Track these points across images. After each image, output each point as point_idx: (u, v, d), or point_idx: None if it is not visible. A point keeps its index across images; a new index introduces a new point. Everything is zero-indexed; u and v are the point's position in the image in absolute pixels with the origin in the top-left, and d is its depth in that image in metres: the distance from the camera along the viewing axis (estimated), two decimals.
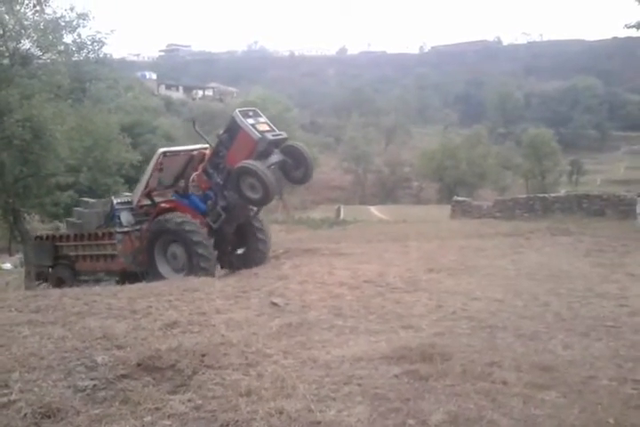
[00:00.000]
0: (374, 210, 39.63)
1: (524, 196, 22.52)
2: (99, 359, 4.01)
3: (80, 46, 17.45)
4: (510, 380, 3.49)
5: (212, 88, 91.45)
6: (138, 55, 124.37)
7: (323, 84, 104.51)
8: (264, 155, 9.37)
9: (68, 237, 11.81)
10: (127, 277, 10.43)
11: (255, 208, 10.54)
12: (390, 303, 5.76)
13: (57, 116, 16.37)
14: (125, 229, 10.60)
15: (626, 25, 18.65)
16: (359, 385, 3.47)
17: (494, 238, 12.17)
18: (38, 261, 12.55)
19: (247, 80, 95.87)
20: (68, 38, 17.22)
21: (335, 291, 6.28)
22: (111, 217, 11.08)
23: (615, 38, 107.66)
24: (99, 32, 17.83)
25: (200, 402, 3.30)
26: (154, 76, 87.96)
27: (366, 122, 70.95)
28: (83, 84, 20.87)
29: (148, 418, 3.09)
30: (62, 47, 17.21)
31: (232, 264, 10.63)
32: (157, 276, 9.70)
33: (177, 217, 9.68)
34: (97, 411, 3.20)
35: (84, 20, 17.10)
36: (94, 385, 3.58)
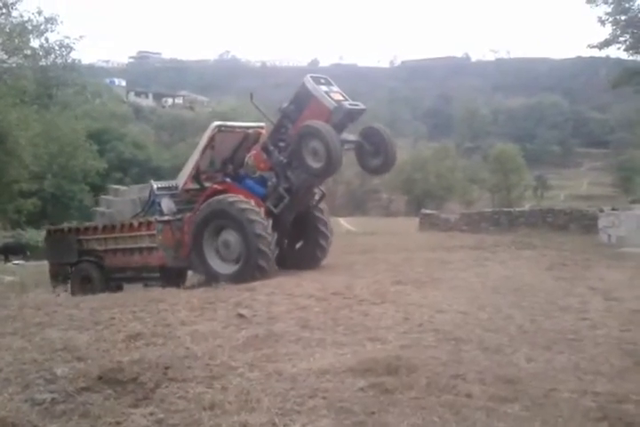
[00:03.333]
0: (343, 222, 39.70)
1: (490, 209, 22.92)
2: (58, 372, 3.91)
3: (47, 51, 17.26)
4: (474, 393, 3.52)
5: (183, 96, 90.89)
6: (107, 61, 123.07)
7: None
8: (338, 128, 8.14)
9: (95, 229, 10.40)
10: (168, 274, 9.36)
11: (317, 196, 9.38)
12: (358, 315, 5.76)
13: (21, 122, 16.10)
14: (167, 218, 9.33)
15: (589, 45, 19.31)
16: (324, 398, 3.45)
17: (460, 251, 12.31)
18: (57, 259, 11.02)
19: (218, 89, 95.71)
20: (35, 42, 16.98)
21: (303, 303, 6.26)
22: (150, 204, 9.81)
23: (579, 57, 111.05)
24: (67, 37, 17.68)
25: (162, 416, 3.24)
26: (123, 83, 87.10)
27: None
28: (49, 90, 20.57)
29: None
30: (29, 51, 16.99)
31: (286, 261, 9.27)
32: (207, 269, 8.69)
33: (231, 197, 8.46)
34: (55, 425, 3.12)
35: (52, 24, 16.94)
36: (53, 398, 3.49)
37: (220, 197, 8.55)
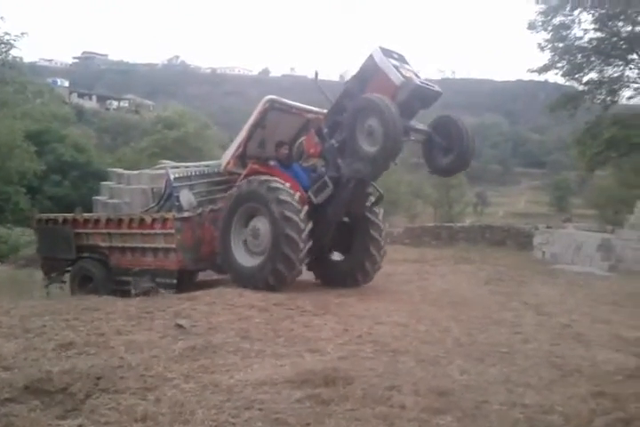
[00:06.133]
0: None
1: (432, 224, 23.48)
2: None
3: None
4: (408, 404, 3.58)
5: (128, 99, 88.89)
6: (50, 61, 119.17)
7: (245, 104, 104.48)
8: (405, 111, 6.73)
9: (97, 221, 8.97)
10: (183, 277, 8.18)
11: (373, 197, 8.09)
12: (298, 326, 5.76)
13: None
14: (187, 215, 8.05)
15: (529, 69, 20.19)
16: (260, 410, 3.42)
17: (403, 264, 12.53)
18: (50, 253, 9.61)
19: (166, 94, 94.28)
20: None
21: (244, 313, 6.20)
22: (167, 197, 8.38)
23: (520, 80, 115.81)
24: (7, 33, 17.05)
25: None
26: (66, 84, 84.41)
27: None
28: None
29: None
30: None
31: (327, 272, 8.21)
32: (231, 264, 7.59)
33: (272, 181, 7.35)
34: None
35: None
36: None
37: (252, 177, 7.51)
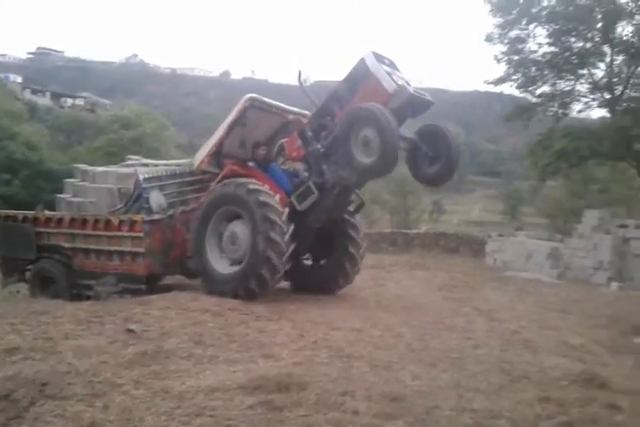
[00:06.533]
0: None
1: (389, 230, 23.73)
2: None
3: None
4: (361, 409, 3.60)
5: (84, 97, 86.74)
6: (3, 55, 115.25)
7: (204, 105, 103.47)
8: (395, 118, 6.54)
9: (60, 220, 8.61)
10: (152, 283, 7.86)
11: (355, 204, 7.94)
12: (253, 332, 5.72)
13: None
14: (156, 217, 7.80)
15: (485, 81, 20.69)
16: (211, 417, 3.38)
17: (360, 270, 12.59)
18: (8, 252, 9.13)
19: (123, 93, 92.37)
20: None
21: (198, 318, 6.11)
22: (135, 198, 8.10)
23: (476, 91, 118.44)
24: None
25: None
26: (19, 79, 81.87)
27: None
28: None
29: None
30: None
31: (302, 278, 8.01)
32: (207, 271, 7.25)
33: (250, 183, 7.10)
34: None
35: None
36: None
37: (230, 180, 7.23)
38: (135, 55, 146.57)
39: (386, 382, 4.27)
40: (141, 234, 7.71)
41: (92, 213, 8.56)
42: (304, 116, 8.15)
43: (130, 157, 10.52)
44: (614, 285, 12.54)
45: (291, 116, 8.20)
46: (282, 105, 8.32)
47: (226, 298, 7.10)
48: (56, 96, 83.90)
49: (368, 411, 3.58)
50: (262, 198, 6.92)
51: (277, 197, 7.16)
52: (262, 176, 7.52)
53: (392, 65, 7.10)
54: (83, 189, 8.96)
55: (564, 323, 7.62)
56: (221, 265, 7.37)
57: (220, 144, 7.78)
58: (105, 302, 7.10)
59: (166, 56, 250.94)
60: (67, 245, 8.57)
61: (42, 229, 8.81)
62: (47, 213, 9.16)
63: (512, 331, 6.74)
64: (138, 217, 7.80)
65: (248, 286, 7.03)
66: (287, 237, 6.97)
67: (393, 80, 6.70)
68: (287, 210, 7.13)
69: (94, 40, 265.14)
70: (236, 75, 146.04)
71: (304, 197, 7.19)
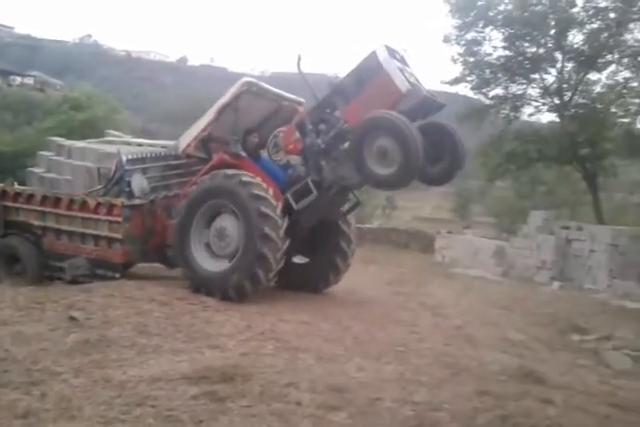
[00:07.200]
0: None
1: None
2: None
3: None
4: (304, 401, 3.62)
5: (34, 76, 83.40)
6: None
7: (159, 91, 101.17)
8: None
9: (30, 196, 8.06)
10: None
11: (350, 204, 7.61)
12: (200, 322, 5.66)
13: None
14: (137, 202, 7.35)
15: (442, 81, 20.99)
16: (153, 407, 3.34)
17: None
18: None
19: (75, 74, 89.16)
20: None
21: (143, 307, 6.00)
22: (116, 181, 7.54)
23: (432, 91, 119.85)
24: None
25: None
26: None
27: None
28: None
29: None
30: None
31: (291, 276, 7.55)
32: (192, 269, 6.80)
33: (241, 175, 6.64)
34: None
35: None
36: None
37: (220, 171, 6.77)
38: (89, 35, 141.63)
39: (330, 374, 4.31)
40: (120, 219, 7.30)
41: (65, 190, 8.08)
42: (299, 103, 7.84)
43: (108, 131, 9.97)
44: (556, 284, 13.01)
45: (285, 103, 7.84)
46: (279, 91, 7.91)
47: (174, 287, 6.98)
48: (4, 74, 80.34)
49: (311, 402, 3.61)
50: (256, 191, 6.56)
51: (271, 190, 6.76)
52: (251, 165, 7.09)
53: (403, 60, 6.68)
54: (57, 165, 8.39)
55: (505, 320, 7.86)
56: (208, 262, 6.95)
57: (209, 127, 7.32)
58: (47, 288, 6.88)
59: (122, 38, 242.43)
60: (36, 223, 8.07)
61: (10, 204, 8.28)
62: (17, 187, 8.64)
63: (455, 326, 6.91)
64: (118, 201, 7.37)
65: (240, 286, 6.62)
66: (282, 232, 6.59)
67: (406, 78, 6.26)
68: (281, 203, 6.76)
69: (47, 17, 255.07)
70: (194, 61, 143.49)
71: (301, 196, 6.82)
